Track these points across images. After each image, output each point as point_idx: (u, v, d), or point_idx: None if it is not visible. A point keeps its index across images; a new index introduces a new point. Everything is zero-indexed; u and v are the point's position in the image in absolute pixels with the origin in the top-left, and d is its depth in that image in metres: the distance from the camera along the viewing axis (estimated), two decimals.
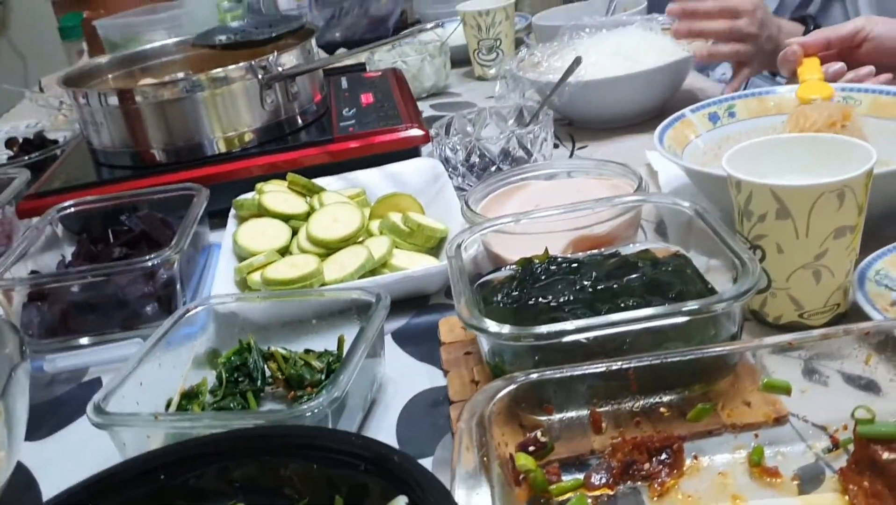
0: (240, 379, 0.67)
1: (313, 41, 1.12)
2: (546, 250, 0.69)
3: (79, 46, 2.02)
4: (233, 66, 1.01)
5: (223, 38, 1.19)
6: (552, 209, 0.71)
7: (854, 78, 0.88)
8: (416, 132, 1.04)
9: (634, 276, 0.63)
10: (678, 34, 1.03)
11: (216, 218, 0.97)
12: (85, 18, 2.02)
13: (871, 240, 0.67)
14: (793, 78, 0.92)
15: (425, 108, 1.40)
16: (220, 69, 1.01)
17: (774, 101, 0.88)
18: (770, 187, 0.57)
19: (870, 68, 0.89)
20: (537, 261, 0.68)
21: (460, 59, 1.54)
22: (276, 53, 1.03)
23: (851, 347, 0.52)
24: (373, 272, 0.79)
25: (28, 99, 1.68)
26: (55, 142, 1.33)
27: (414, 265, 0.79)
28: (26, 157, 1.24)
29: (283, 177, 0.97)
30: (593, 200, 0.70)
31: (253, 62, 1.01)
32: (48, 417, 0.72)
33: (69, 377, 0.78)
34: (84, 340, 0.80)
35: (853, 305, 0.63)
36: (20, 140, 1.35)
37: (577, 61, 1.02)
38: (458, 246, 0.68)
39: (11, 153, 1.34)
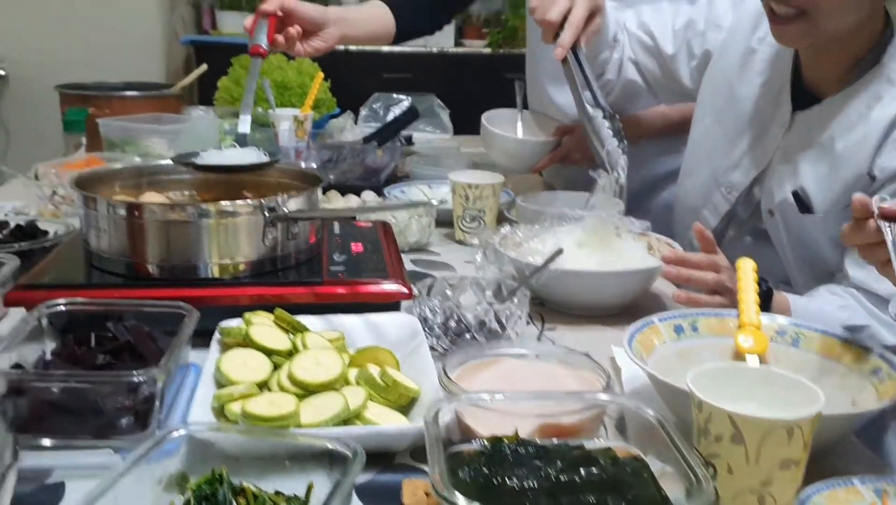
0: None
1: (319, 190, 1.19)
2: (516, 432, 0.74)
3: (78, 139, 2.08)
4: (242, 202, 1.08)
5: (199, 161, 1.24)
6: (527, 393, 0.76)
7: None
8: (400, 288, 1.10)
9: (595, 472, 0.68)
10: (668, 275, 1.13)
11: (196, 338, 1.00)
12: (90, 115, 2.09)
13: (814, 468, 0.73)
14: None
15: (406, 262, 1.46)
16: (229, 202, 1.07)
17: (734, 322, 0.96)
18: (729, 413, 0.64)
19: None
20: (506, 441, 0.72)
21: (444, 221, 1.63)
22: (285, 196, 1.10)
23: None
24: (345, 421, 0.83)
25: (23, 184, 1.71)
26: (45, 233, 1.36)
27: (385, 421, 0.83)
28: (16, 245, 1.27)
29: (267, 308, 1.02)
30: (566, 393, 0.76)
31: (262, 201, 1.08)
32: None
33: (33, 477, 0.78)
34: (55, 443, 0.81)
35: None
36: (11, 225, 1.38)
37: (559, 252, 1.11)
38: (437, 413, 0.72)
39: (0, 236, 1.37)
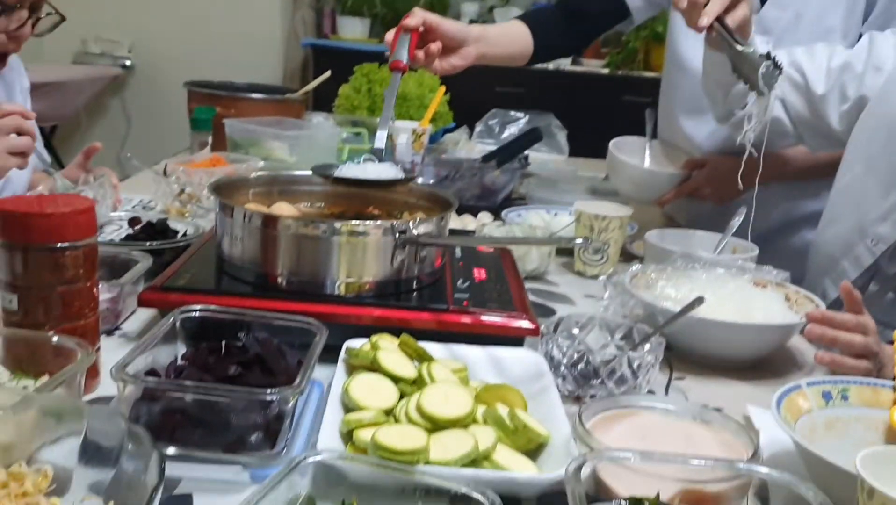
0: None
1: (450, 214, 1.18)
2: (657, 495, 0.70)
3: (204, 137, 2.13)
4: (374, 223, 1.07)
5: (338, 173, 1.22)
6: (671, 455, 0.73)
7: None
8: (528, 324, 1.08)
9: None
10: (811, 335, 1.07)
11: None
12: (217, 114, 2.14)
13: None
14: None
15: None
16: (361, 222, 1.07)
17: (888, 395, 0.90)
18: None
19: None
20: (647, 502, 0.69)
21: (563, 250, 1.60)
22: (416, 219, 1.09)
23: None
24: (473, 461, 0.81)
25: (151, 179, 1.76)
26: (176, 233, 1.39)
27: (515, 466, 0.81)
28: (148, 243, 1.30)
29: (390, 330, 1.01)
30: (714, 459, 0.72)
31: (394, 223, 1.07)
32: None
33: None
34: (184, 453, 0.81)
35: None
36: (143, 222, 1.41)
37: (700, 300, 1.06)
38: (578, 469, 0.69)
39: (131, 231, 1.40)
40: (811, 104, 1.42)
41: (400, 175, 1.20)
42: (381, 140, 1.21)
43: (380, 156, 1.21)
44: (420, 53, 1.37)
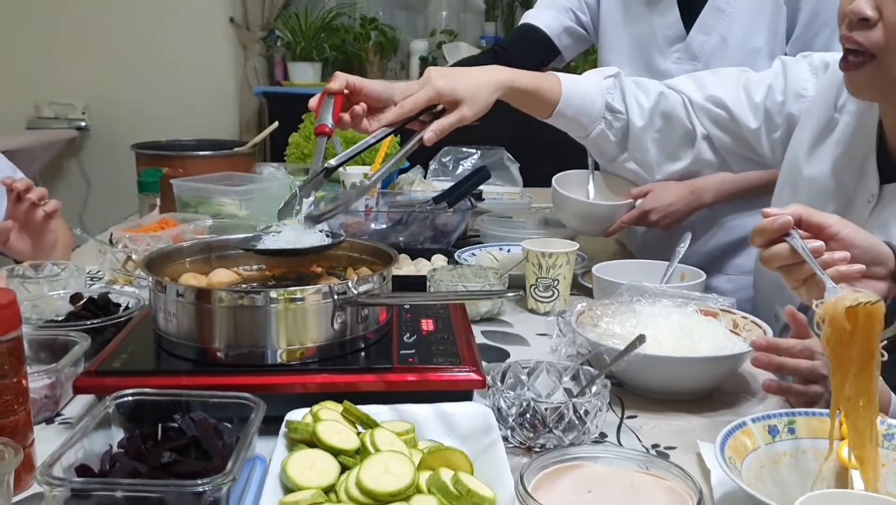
0: None
1: (392, 269, 1.16)
2: None
3: (153, 200, 2.10)
4: (311, 288, 1.05)
5: (261, 245, 1.20)
6: None
7: (829, 260, 0.91)
8: (474, 377, 1.06)
9: None
10: (758, 363, 1.06)
11: (263, 424, 0.97)
12: (164, 175, 2.11)
13: None
14: None
15: (477, 334, 1.42)
16: (298, 288, 1.05)
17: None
18: None
19: (844, 254, 0.91)
20: None
21: (516, 285, 1.58)
22: (356, 279, 1.07)
23: None
24: None
25: (98, 248, 1.73)
26: (118, 307, 1.36)
27: None
28: (88, 322, 1.27)
29: (336, 396, 0.99)
30: None
31: (332, 285, 1.05)
32: None
33: None
34: None
35: None
36: (85, 298, 1.39)
37: (641, 339, 1.05)
38: None
39: (73, 308, 1.37)
40: (740, 138, 1.41)
41: (325, 241, 1.18)
42: (307, 207, 1.19)
43: (309, 222, 1.18)
44: (346, 116, 1.35)
